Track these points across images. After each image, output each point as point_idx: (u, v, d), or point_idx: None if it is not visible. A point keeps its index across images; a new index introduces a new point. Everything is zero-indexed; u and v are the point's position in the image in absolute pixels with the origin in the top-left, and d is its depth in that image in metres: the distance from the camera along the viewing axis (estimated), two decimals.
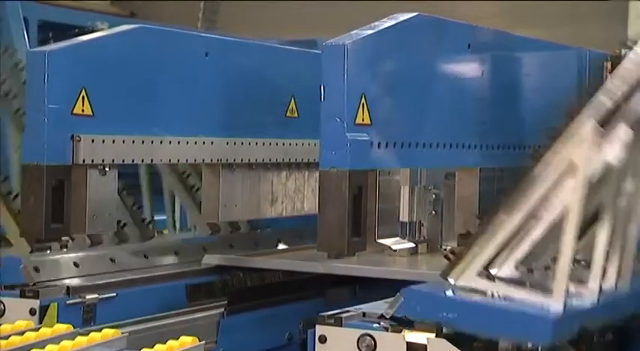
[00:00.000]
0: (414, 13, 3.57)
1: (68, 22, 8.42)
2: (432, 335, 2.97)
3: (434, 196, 4.13)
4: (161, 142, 3.74)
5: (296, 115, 4.34)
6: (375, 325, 3.06)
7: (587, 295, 2.91)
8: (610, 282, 3.01)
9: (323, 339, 3.07)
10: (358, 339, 3.02)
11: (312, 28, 11.63)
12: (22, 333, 3.10)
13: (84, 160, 3.46)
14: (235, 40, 4.33)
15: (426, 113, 3.68)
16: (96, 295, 3.46)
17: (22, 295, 3.36)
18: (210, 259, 4.09)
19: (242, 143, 4.08)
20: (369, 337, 3.01)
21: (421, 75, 3.66)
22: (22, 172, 3.43)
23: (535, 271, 3.01)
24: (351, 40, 3.34)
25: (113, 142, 3.56)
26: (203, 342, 3.08)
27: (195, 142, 3.88)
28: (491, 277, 2.95)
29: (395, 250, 3.89)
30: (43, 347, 2.93)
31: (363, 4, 12.95)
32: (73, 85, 3.46)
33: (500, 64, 4.09)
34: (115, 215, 3.69)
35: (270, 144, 4.19)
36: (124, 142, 3.60)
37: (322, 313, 3.10)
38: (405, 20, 3.53)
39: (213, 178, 4.10)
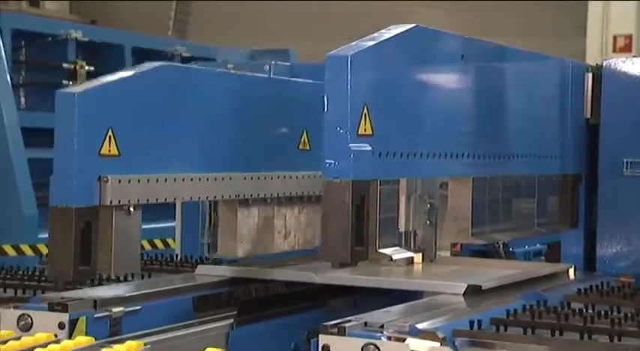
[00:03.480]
0: (413, 24, 3.60)
1: (40, 30, 8.42)
2: (437, 344, 3.02)
3: (429, 205, 4.16)
4: (183, 180, 3.76)
5: (308, 147, 4.41)
6: (377, 334, 3.07)
7: None
8: None
9: (326, 349, 3.07)
10: (362, 348, 3.02)
11: (282, 37, 11.68)
12: (45, 345, 3.07)
13: (111, 201, 3.45)
14: (254, 75, 4.39)
15: (422, 123, 3.71)
16: (122, 308, 3.45)
17: (51, 309, 3.34)
18: (205, 270, 4.11)
19: (258, 178, 4.12)
20: (372, 346, 3.02)
21: (419, 85, 3.70)
22: (51, 214, 3.39)
23: None
24: (354, 51, 3.36)
25: (138, 181, 3.56)
26: None
27: (215, 179, 3.91)
28: None
29: (394, 260, 3.92)
30: None
31: (331, 17, 13.04)
32: (101, 125, 3.46)
33: (491, 75, 4.15)
34: (139, 254, 3.70)
35: (284, 177, 4.23)
36: (148, 181, 3.60)
37: (325, 323, 3.11)
38: (404, 31, 3.56)
39: (230, 214, 4.14)
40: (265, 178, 4.14)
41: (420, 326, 3.10)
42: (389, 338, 3.05)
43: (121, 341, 3.17)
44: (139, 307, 3.53)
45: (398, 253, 3.82)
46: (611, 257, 4.67)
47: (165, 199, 3.74)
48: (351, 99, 3.34)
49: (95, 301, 3.42)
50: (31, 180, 7.47)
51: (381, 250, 3.64)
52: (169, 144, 3.74)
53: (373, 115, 3.41)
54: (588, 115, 4.80)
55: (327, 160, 3.35)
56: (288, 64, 5.29)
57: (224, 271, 4.07)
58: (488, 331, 3.17)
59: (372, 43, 3.44)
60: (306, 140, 4.42)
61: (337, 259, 3.42)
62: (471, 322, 3.17)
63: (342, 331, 3.07)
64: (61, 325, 3.29)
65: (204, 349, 3.07)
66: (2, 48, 7.72)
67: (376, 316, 3.27)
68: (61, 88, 9.02)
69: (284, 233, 4.25)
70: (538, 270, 4.29)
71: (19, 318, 3.35)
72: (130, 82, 3.61)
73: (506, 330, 3.16)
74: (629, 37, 12.95)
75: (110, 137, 3.47)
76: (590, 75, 4.85)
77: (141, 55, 9.61)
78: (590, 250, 4.78)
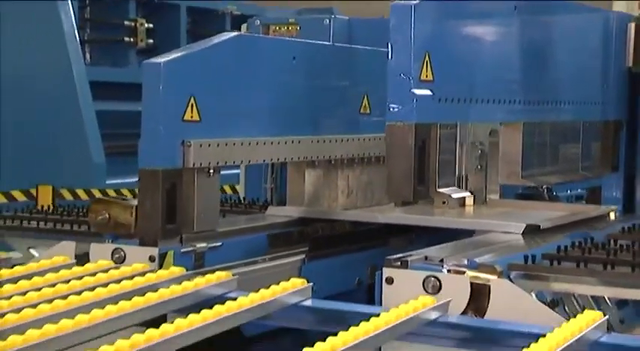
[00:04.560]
0: None
1: None
2: (494, 277, 3.16)
3: (480, 151, 4.38)
4: (257, 144, 3.95)
5: (368, 111, 4.60)
6: (438, 267, 3.24)
7: None
8: None
9: (390, 280, 3.24)
10: (424, 280, 3.19)
11: None
12: (142, 274, 3.34)
13: (193, 164, 3.65)
14: (319, 43, 4.55)
15: (478, 71, 3.86)
16: (205, 244, 3.73)
17: (142, 244, 3.59)
18: (275, 211, 4.40)
19: (324, 141, 4.31)
20: (433, 278, 3.19)
21: (474, 35, 3.85)
22: (140, 176, 3.57)
23: None
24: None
25: (217, 145, 3.74)
26: (311, 284, 3.33)
27: (286, 142, 4.10)
28: None
29: (453, 198, 4.16)
30: (168, 287, 3.18)
31: None
32: (184, 93, 3.63)
33: (541, 25, 4.28)
34: (218, 213, 3.88)
35: (347, 140, 4.42)
36: (226, 145, 3.79)
37: (389, 257, 3.30)
38: None
39: (298, 175, 4.38)
40: (330, 140, 4.34)
41: (478, 260, 3.25)
42: (449, 271, 3.20)
43: (211, 272, 3.42)
44: (220, 244, 3.80)
45: (456, 193, 4.04)
46: None
47: (242, 162, 3.97)
48: (414, 46, 3.47)
49: (181, 237, 3.68)
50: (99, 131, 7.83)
51: (440, 190, 3.83)
52: (244, 110, 3.92)
53: (434, 62, 3.54)
54: (630, 64, 4.89)
55: (391, 105, 3.49)
56: (346, 18, 5.47)
57: (293, 212, 4.34)
58: (542, 265, 3.31)
59: None
60: (367, 104, 4.59)
61: (400, 198, 3.59)
62: (525, 257, 3.31)
63: (404, 265, 3.24)
64: (151, 258, 3.54)
65: (289, 278, 3.31)
66: (71, 7, 8.04)
67: (435, 251, 3.43)
68: (122, 44, 9.37)
69: (347, 192, 4.43)
70: (585, 211, 4.45)
71: (114, 251, 3.61)
72: (209, 51, 3.76)
73: (559, 264, 3.30)
74: None
75: (192, 104, 3.64)
76: (632, 25, 4.93)
77: (194, 13, 9.89)
78: (630, 193, 4.93)
